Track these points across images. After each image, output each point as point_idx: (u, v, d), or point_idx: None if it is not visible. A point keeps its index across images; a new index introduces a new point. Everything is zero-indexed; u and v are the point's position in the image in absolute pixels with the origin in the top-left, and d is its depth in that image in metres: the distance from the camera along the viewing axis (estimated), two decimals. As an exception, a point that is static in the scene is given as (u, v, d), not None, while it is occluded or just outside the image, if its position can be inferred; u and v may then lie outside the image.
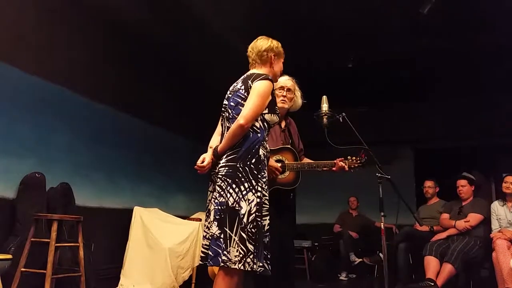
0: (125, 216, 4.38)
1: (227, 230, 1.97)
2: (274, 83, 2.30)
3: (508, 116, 6.23)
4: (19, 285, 2.86)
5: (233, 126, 2.08)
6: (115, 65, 4.60)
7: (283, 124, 2.80)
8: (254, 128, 2.13)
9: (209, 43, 5.09)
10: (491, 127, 6.44)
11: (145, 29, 4.71)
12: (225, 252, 1.94)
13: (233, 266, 1.93)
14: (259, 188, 2.05)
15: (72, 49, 4.01)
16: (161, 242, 4.18)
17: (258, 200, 2.03)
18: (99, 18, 4.31)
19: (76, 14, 4.06)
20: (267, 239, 2.10)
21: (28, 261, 2.92)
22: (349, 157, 2.67)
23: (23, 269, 2.88)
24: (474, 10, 4.33)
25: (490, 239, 3.87)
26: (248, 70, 2.34)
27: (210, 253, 1.99)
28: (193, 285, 4.37)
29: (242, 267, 1.93)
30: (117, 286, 4.03)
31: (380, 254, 5.46)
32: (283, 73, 2.51)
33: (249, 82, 2.18)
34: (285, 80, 2.77)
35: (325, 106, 2.70)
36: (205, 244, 2.08)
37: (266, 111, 2.18)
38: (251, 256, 1.96)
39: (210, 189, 2.18)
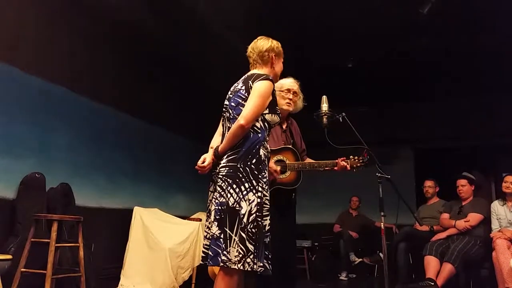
0: (125, 216, 4.38)
1: (227, 230, 1.97)
2: (275, 83, 2.30)
3: (508, 116, 6.23)
4: (19, 285, 2.86)
5: (234, 127, 2.08)
6: (115, 65, 4.60)
7: (284, 124, 2.80)
8: (255, 128, 2.13)
9: (209, 43, 5.10)
10: (491, 127, 6.44)
11: (145, 29, 4.70)
12: (224, 252, 1.95)
13: (232, 266, 1.93)
14: (260, 188, 2.05)
15: (72, 49, 4.01)
16: (161, 242, 4.17)
17: (259, 200, 2.03)
18: (99, 18, 4.31)
19: (76, 14, 4.06)
20: (268, 239, 2.10)
21: (28, 261, 2.91)
22: (351, 156, 2.67)
23: (23, 269, 2.88)
24: (474, 10, 4.34)
25: (490, 239, 3.86)
26: (248, 70, 2.34)
27: (210, 253, 2.00)
28: (193, 285, 4.37)
29: (242, 267, 1.93)
30: (117, 286, 4.03)
31: (380, 254, 5.47)
32: (286, 74, 2.51)
33: (250, 82, 2.18)
34: (292, 83, 2.77)
35: (325, 106, 2.70)
36: (206, 244, 2.09)
37: (267, 111, 2.18)
38: (251, 256, 1.96)
39: (211, 189, 2.19)
